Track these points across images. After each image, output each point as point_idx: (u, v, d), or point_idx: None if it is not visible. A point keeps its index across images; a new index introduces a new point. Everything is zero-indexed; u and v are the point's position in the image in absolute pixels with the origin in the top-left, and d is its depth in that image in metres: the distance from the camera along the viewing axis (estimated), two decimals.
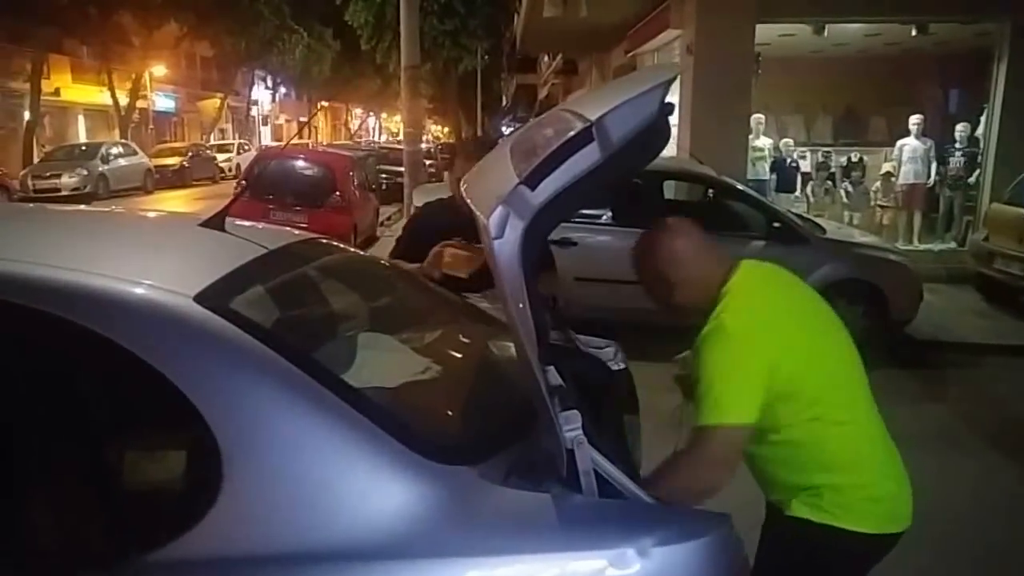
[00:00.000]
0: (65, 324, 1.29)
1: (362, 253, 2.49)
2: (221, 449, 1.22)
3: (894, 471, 1.74)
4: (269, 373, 1.31)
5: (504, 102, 38.74)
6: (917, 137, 9.49)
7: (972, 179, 9.43)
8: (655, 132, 1.32)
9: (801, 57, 10.43)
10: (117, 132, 25.58)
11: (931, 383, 5.79)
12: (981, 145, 9.33)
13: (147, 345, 1.29)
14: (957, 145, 9.41)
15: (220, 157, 26.78)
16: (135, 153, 21.43)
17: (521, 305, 1.24)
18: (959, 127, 9.47)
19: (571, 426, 1.28)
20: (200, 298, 1.38)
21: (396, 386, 1.67)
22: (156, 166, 22.31)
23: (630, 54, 12.63)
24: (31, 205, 2.75)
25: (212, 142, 30.92)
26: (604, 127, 1.23)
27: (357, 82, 37.50)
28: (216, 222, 1.79)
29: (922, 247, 9.47)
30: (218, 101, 34.16)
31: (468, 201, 1.37)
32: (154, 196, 20.60)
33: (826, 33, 9.39)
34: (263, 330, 1.41)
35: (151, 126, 29.42)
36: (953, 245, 9.62)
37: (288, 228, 2.25)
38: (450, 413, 1.65)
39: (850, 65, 11.17)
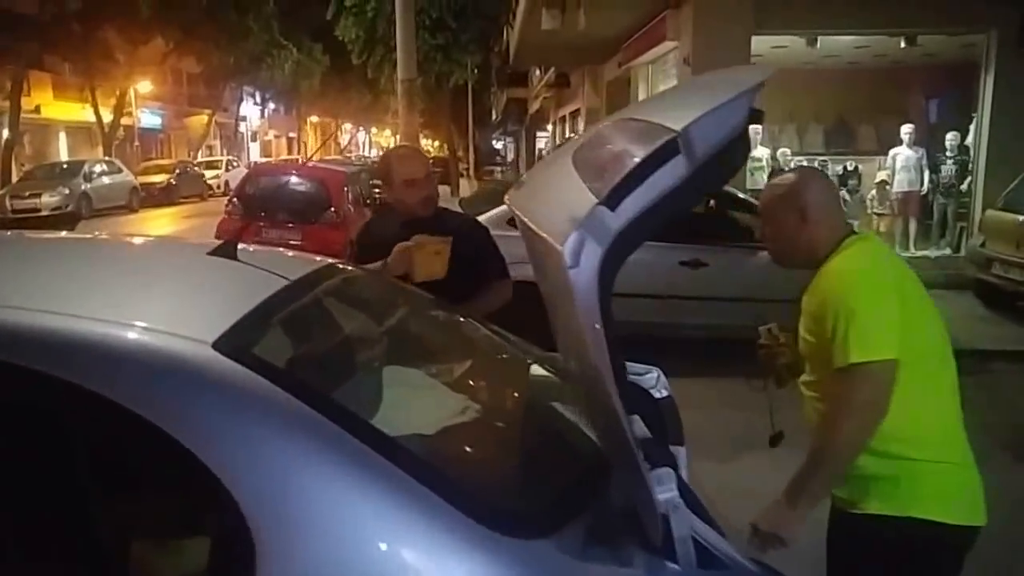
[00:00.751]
0: (54, 384, 1.07)
1: (375, 274, 2.29)
2: (253, 534, 1.01)
3: (972, 460, 1.68)
4: (307, 435, 1.11)
5: (494, 116, 38.67)
6: (909, 146, 9.60)
7: (964, 186, 9.52)
8: (740, 143, 1.16)
9: (793, 68, 10.44)
10: (101, 150, 25.22)
11: None
12: (972, 153, 9.41)
13: (158, 407, 1.08)
14: (948, 153, 9.55)
15: (208, 174, 26.45)
16: (120, 171, 21.07)
17: (599, 347, 1.07)
18: (949, 136, 9.59)
19: (665, 487, 1.10)
20: (220, 345, 1.18)
21: (436, 433, 1.47)
22: (142, 184, 21.95)
23: (624, 67, 12.55)
24: (8, 233, 2.44)
25: (200, 159, 30.58)
26: (690, 137, 1.07)
27: (347, 96, 37.35)
28: (227, 250, 1.59)
29: (919, 254, 9.51)
30: (206, 117, 33.87)
31: (529, 223, 1.19)
32: (140, 215, 20.26)
33: (818, 45, 9.39)
34: (295, 380, 1.21)
35: (136, 143, 29.07)
36: (948, 251, 9.66)
37: (303, 253, 2.05)
38: (507, 467, 1.42)
39: (840, 76, 11.25)
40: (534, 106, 27.79)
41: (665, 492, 1.12)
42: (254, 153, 40.87)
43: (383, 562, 1.05)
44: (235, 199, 9.82)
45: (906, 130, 9.59)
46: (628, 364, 2.06)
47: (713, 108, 1.08)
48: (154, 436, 1.05)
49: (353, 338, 1.78)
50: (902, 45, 9.37)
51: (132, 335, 1.18)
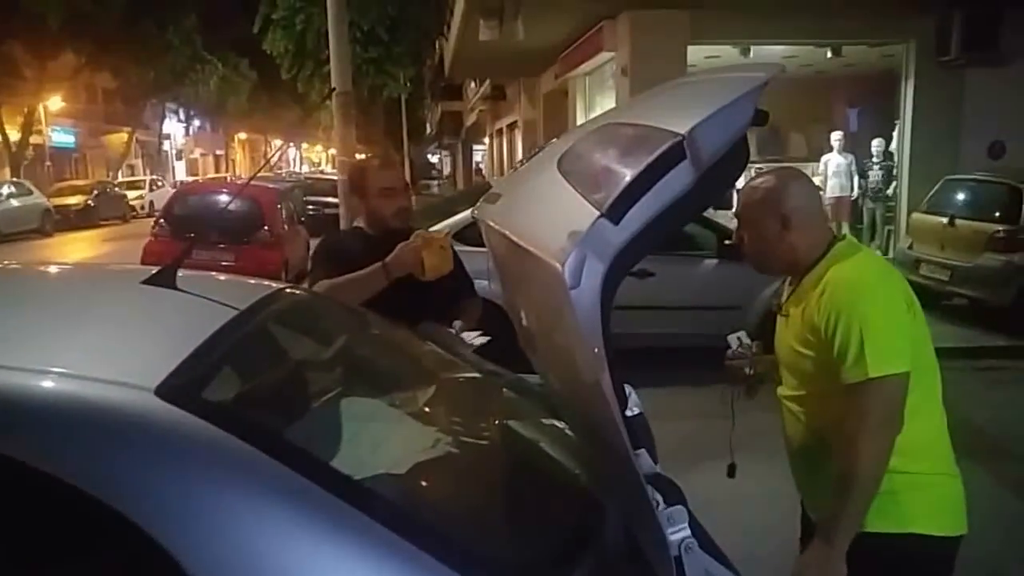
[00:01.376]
0: None
1: (327, 298, 2.12)
2: None
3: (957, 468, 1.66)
4: (271, 490, 0.96)
5: (429, 129, 38.48)
6: (839, 152, 10.00)
7: (891, 191, 9.92)
8: (743, 147, 1.07)
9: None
10: (8, 171, 23.75)
11: None
12: (896, 159, 9.78)
13: (91, 471, 0.91)
14: (875, 159, 9.96)
15: (131, 195, 25.23)
16: (30, 192, 19.83)
17: (602, 374, 0.96)
18: (874, 143, 10.02)
19: (677, 527, 1.00)
20: (164, 391, 1.01)
21: (407, 473, 1.32)
22: (56, 206, 20.72)
23: (561, 78, 12.62)
24: None
25: (121, 179, 29.21)
26: (696, 141, 0.97)
27: (276, 112, 36.50)
28: (166, 278, 1.41)
29: None
30: (125, 135, 32.41)
31: (514, 239, 1.07)
32: (55, 239, 19.15)
33: (751, 55, 9.65)
34: (253, 427, 1.05)
35: (48, 163, 27.53)
36: (878, 254, 10.01)
37: (248, 278, 1.86)
38: (492, 508, 1.28)
39: (771, 85, 11.52)
40: (470, 119, 27.77)
41: (678, 532, 1.02)
42: (180, 172, 39.38)
43: None
44: (162, 220, 9.36)
45: (836, 137, 9.98)
46: None
47: (719, 109, 0.99)
48: (86, 506, 0.88)
49: (309, 370, 1.61)
50: (828, 55, 9.75)
51: (55, 384, 1.00)
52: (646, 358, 5.69)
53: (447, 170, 42.68)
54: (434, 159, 49.38)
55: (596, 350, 0.96)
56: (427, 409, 1.68)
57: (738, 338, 1.76)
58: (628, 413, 1.93)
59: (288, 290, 1.79)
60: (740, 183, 1.82)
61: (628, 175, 0.95)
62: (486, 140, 28.18)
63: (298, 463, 1.00)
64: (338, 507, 0.96)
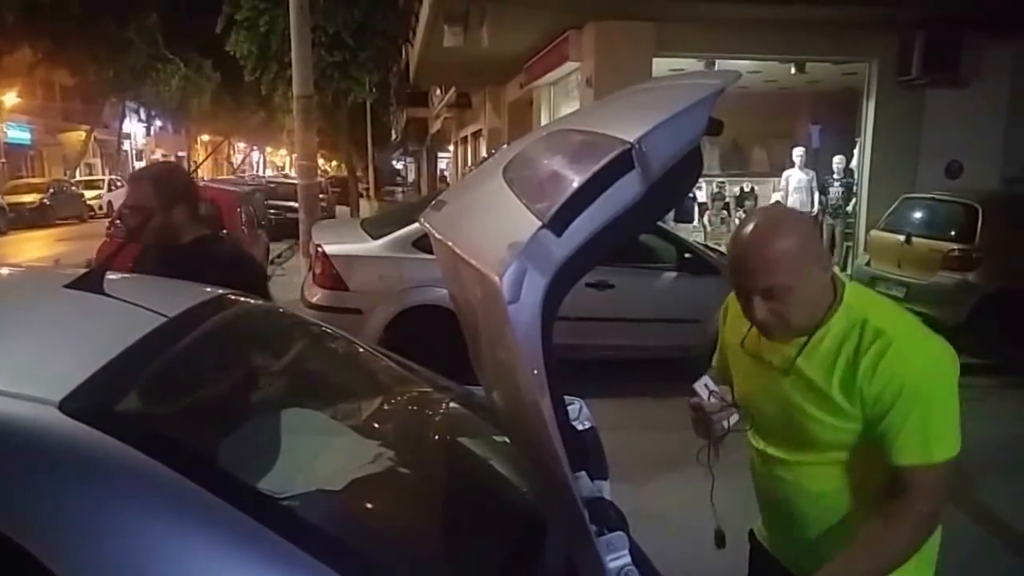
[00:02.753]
0: None
1: (274, 306, 2.03)
2: None
3: None
4: (184, 516, 0.88)
5: (394, 136, 38.25)
6: (801, 168, 10.13)
7: (850, 208, 10.09)
8: (696, 157, 1.03)
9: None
10: None
11: None
12: (856, 176, 9.98)
13: None
14: (835, 176, 10.10)
15: (88, 194, 24.54)
16: None
17: (541, 395, 0.90)
18: (835, 159, 10.18)
19: (617, 554, 0.95)
20: (69, 404, 0.93)
21: (344, 488, 1.26)
22: (10, 204, 20.10)
23: (526, 87, 12.64)
24: None
25: (79, 177, 28.38)
26: (646, 150, 0.93)
27: (240, 115, 35.91)
28: (91, 282, 1.31)
29: None
30: (83, 134, 31.50)
31: (455, 249, 1.01)
32: (9, 237, 18.53)
33: (716, 68, 9.75)
34: (169, 445, 0.97)
35: (2, 160, 26.66)
36: (837, 270, 10.18)
37: (184, 282, 1.75)
38: (428, 531, 1.22)
39: (734, 100, 11.69)
40: (435, 126, 27.68)
41: (617, 559, 0.96)
42: None
43: None
44: (118, 220, 9.08)
45: (797, 153, 10.11)
46: None
47: (670, 117, 0.95)
48: None
49: (246, 382, 1.52)
50: (792, 71, 9.89)
51: None
52: (605, 369, 5.69)
53: (412, 177, 42.45)
54: (399, 166, 49.10)
55: (535, 372, 0.91)
56: (370, 422, 1.61)
57: (705, 386, 1.52)
58: (579, 427, 1.90)
59: (229, 296, 1.70)
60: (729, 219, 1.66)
61: (573, 184, 0.90)
62: (451, 148, 28.10)
63: (214, 483, 0.92)
64: (251, 528, 0.89)
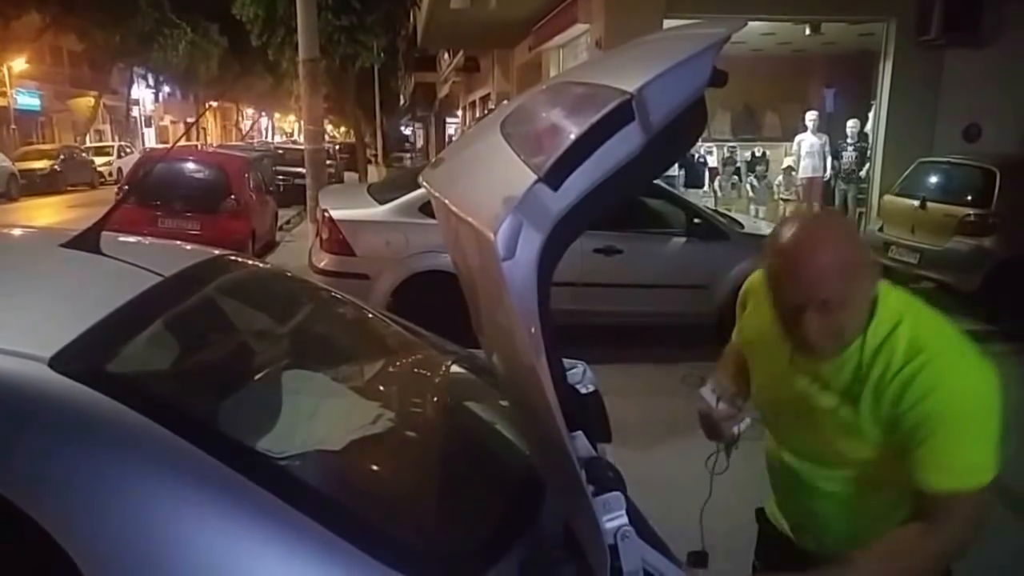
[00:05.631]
0: None
1: (275, 268, 2.01)
2: None
3: None
4: (176, 473, 0.88)
5: (402, 101, 37.86)
6: (813, 133, 9.97)
7: (863, 173, 9.95)
8: (698, 110, 0.99)
9: None
10: None
11: None
12: (870, 140, 9.80)
13: None
14: (848, 140, 9.94)
15: (98, 160, 24.55)
16: None
17: (538, 354, 0.89)
18: (849, 123, 9.99)
19: (613, 515, 0.93)
20: (59, 361, 0.92)
21: (342, 451, 1.25)
22: (22, 171, 20.11)
23: (535, 50, 12.43)
24: None
25: (89, 144, 28.37)
26: (646, 101, 0.89)
27: (248, 81, 35.62)
28: (87, 241, 1.30)
29: None
30: (92, 100, 31.39)
31: (451, 206, 0.99)
32: (20, 204, 18.60)
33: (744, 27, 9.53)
34: (162, 403, 0.96)
35: (13, 126, 26.63)
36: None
37: (184, 243, 1.74)
38: (426, 494, 1.20)
39: (746, 63, 11.52)
40: (443, 91, 27.38)
41: (614, 520, 0.95)
42: (149, 139, 38.37)
43: None
44: (126, 186, 9.12)
45: (810, 117, 9.94)
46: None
47: (672, 66, 0.91)
48: None
49: (245, 343, 1.52)
50: (806, 32, 9.66)
51: None
52: (613, 335, 5.68)
53: (420, 143, 42.14)
54: (407, 131, 48.72)
55: (532, 330, 0.89)
56: (371, 385, 1.61)
57: (712, 391, 1.39)
58: (582, 390, 1.89)
59: (228, 257, 1.68)
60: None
61: (571, 136, 0.87)
62: (459, 113, 27.83)
63: (205, 441, 0.91)
64: (243, 485, 0.89)
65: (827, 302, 1.17)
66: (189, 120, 40.13)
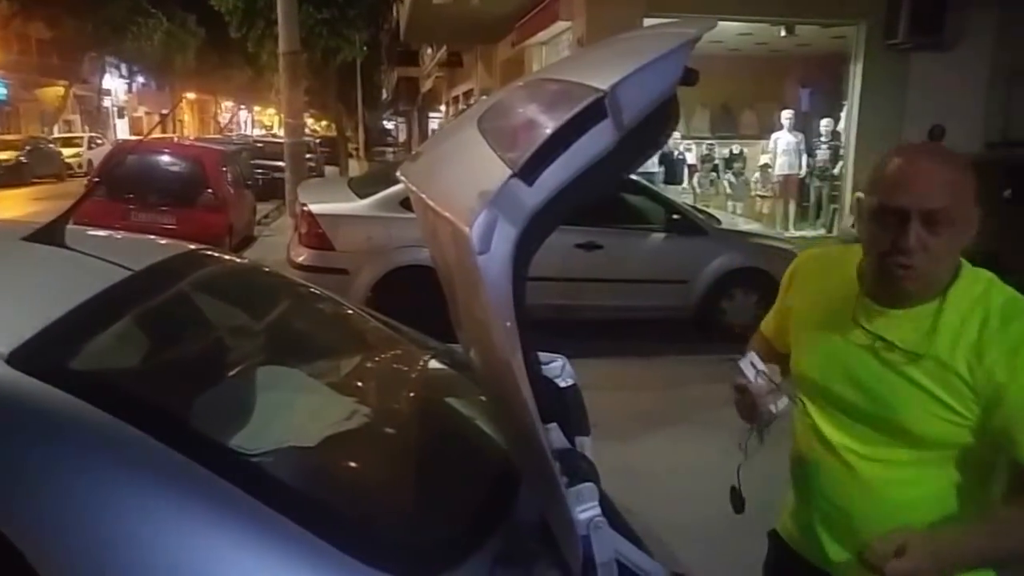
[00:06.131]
0: None
1: (251, 262, 2.00)
2: None
3: None
4: (139, 470, 0.87)
5: (385, 95, 37.63)
6: (789, 131, 10.12)
7: (837, 170, 10.10)
8: (670, 107, 1.01)
9: None
10: None
11: None
12: (843, 139, 9.96)
13: None
14: (823, 139, 10.10)
15: (67, 152, 24.05)
16: None
17: (512, 347, 0.90)
18: (823, 122, 10.15)
19: (586, 505, 0.95)
20: (18, 358, 0.90)
21: (317, 444, 1.25)
22: None
23: (518, 47, 12.42)
24: None
25: (56, 135, 27.80)
26: (619, 98, 0.90)
27: (226, 73, 35.18)
28: (51, 234, 1.28)
29: (797, 234, 10.04)
30: (62, 90, 30.77)
31: (427, 200, 0.99)
32: None
33: (715, 28, 9.61)
34: (126, 400, 0.95)
35: None
36: (823, 232, 10.27)
37: (155, 237, 1.72)
38: (401, 487, 1.21)
39: (724, 63, 11.64)
40: (426, 85, 27.25)
41: (587, 511, 0.96)
42: (122, 131, 37.69)
43: None
44: (96, 179, 8.96)
45: (786, 115, 10.08)
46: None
47: (644, 65, 0.92)
48: None
49: (218, 339, 1.50)
50: (781, 34, 9.80)
51: None
52: (594, 330, 5.72)
53: (402, 137, 41.93)
54: (390, 125, 48.45)
55: (508, 323, 0.89)
56: (347, 380, 1.60)
57: (752, 364, 1.30)
58: (561, 384, 1.90)
59: (202, 252, 1.67)
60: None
61: (545, 132, 0.88)
62: (442, 107, 27.72)
63: (171, 438, 0.90)
64: (212, 482, 0.88)
65: (934, 214, 1.10)
66: (164, 112, 39.56)
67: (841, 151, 10.00)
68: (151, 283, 1.29)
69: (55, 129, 29.72)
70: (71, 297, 1.09)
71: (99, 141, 26.79)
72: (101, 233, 1.46)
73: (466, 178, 0.94)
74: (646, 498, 1.59)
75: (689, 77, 0.99)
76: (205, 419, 1.06)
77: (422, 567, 0.94)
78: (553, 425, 0.99)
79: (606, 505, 0.99)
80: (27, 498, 0.82)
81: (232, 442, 1.06)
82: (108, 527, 0.83)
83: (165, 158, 9.33)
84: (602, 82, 0.90)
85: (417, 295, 3.68)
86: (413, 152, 1.34)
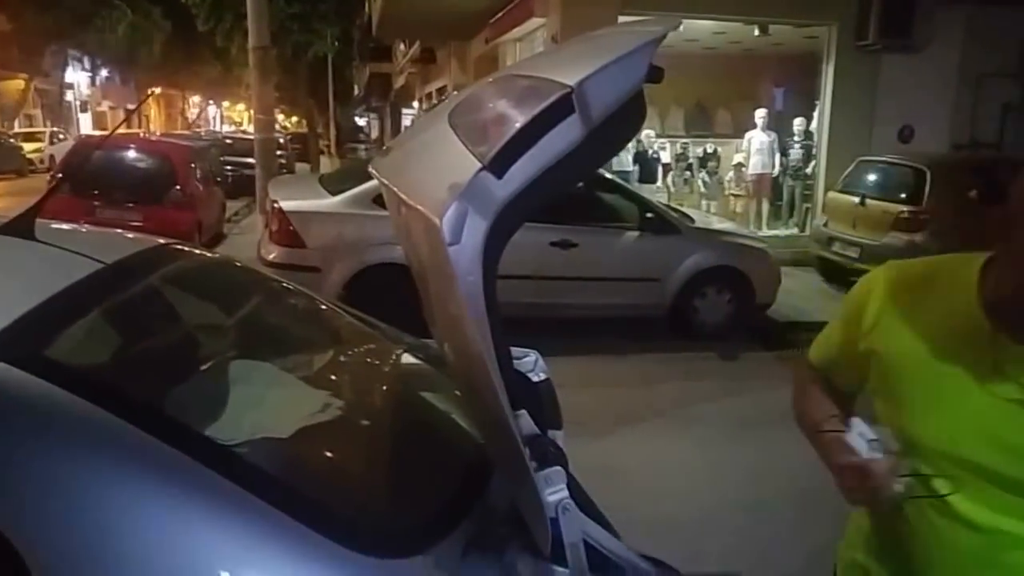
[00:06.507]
0: None
1: (223, 256, 1.99)
2: None
3: None
4: (117, 452, 0.88)
5: (357, 91, 37.33)
6: (763, 130, 10.23)
7: (809, 169, 10.27)
8: (636, 104, 1.03)
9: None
10: None
11: (794, 363, 6.10)
12: (815, 138, 10.13)
13: None
14: (796, 138, 10.25)
15: (27, 147, 23.54)
16: None
17: (483, 336, 0.92)
18: (796, 121, 10.30)
19: (554, 488, 0.97)
20: None
21: (290, 437, 1.26)
22: None
23: (491, 43, 12.43)
24: None
25: (17, 129, 27.14)
26: (586, 94, 0.93)
27: (194, 67, 34.60)
28: (20, 227, 1.27)
29: (770, 233, 10.18)
30: (22, 83, 30.01)
31: (399, 193, 1.01)
32: None
33: (681, 28, 9.70)
34: (103, 388, 0.96)
35: None
36: (795, 231, 10.44)
37: (124, 231, 1.71)
38: (375, 473, 1.24)
39: (699, 61, 11.77)
40: (399, 82, 27.10)
41: (554, 493, 1.00)
42: (85, 125, 36.86)
43: None
44: (59, 174, 8.79)
45: (760, 114, 10.20)
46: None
47: (610, 62, 0.95)
48: None
49: (189, 332, 1.51)
50: (755, 33, 9.92)
51: None
52: (569, 328, 5.77)
53: (375, 134, 41.66)
54: (361, 122, 48.08)
55: (479, 312, 0.92)
56: (321, 373, 1.61)
57: (860, 435, 1.00)
58: (534, 379, 1.93)
59: (173, 246, 1.66)
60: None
61: (514, 126, 0.90)
62: (415, 104, 27.61)
63: (153, 424, 0.92)
64: (196, 471, 0.90)
65: None
66: (130, 106, 38.81)
67: (814, 150, 10.14)
68: (124, 275, 1.29)
69: (16, 124, 28.98)
70: (45, 288, 1.09)
71: (62, 136, 26.19)
72: (69, 227, 1.45)
73: (437, 172, 0.97)
74: (620, 494, 1.63)
75: (654, 74, 1.02)
76: (177, 409, 1.07)
77: (396, 548, 0.97)
78: (523, 412, 1.02)
79: (574, 488, 1.02)
80: (21, 501, 0.84)
81: (207, 432, 1.06)
82: (96, 504, 0.85)
83: (132, 154, 9.17)
84: (570, 78, 0.93)
85: (389, 293, 3.70)
86: (384, 147, 1.36)
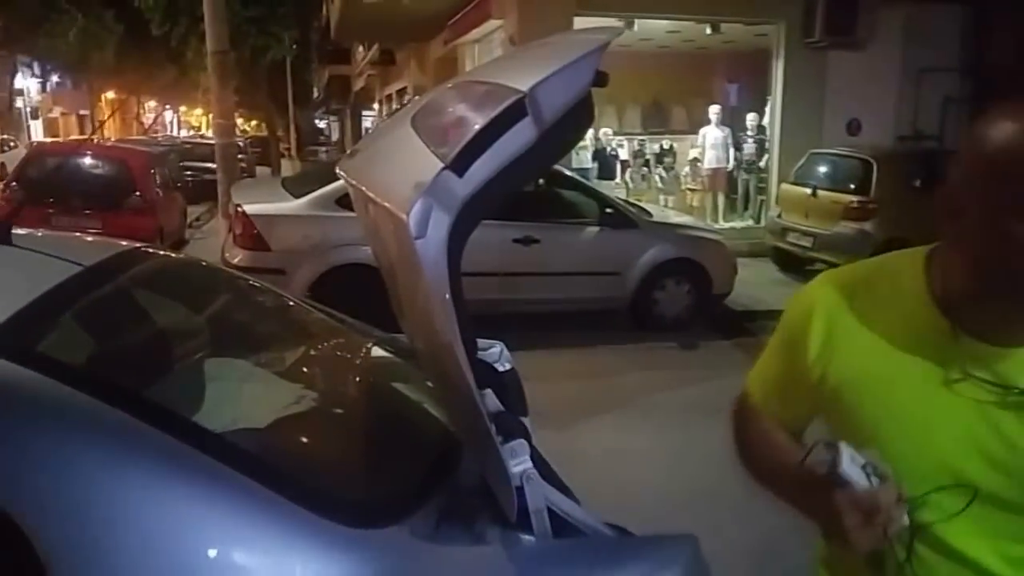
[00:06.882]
0: None
1: (194, 258, 2.05)
2: (51, 566, 0.84)
3: None
4: (109, 436, 0.95)
5: (316, 94, 36.96)
6: (717, 126, 10.46)
7: (762, 163, 10.53)
8: (586, 107, 1.13)
9: (611, 50, 10.91)
10: None
11: (752, 350, 6.28)
12: (768, 133, 10.41)
13: None
14: (749, 133, 10.52)
15: None
16: None
17: (450, 319, 1.00)
18: (749, 117, 10.57)
19: (518, 460, 1.07)
20: None
21: (267, 427, 1.34)
22: None
23: (450, 44, 12.47)
24: None
25: None
26: (537, 99, 1.02)
27: (148, 71, 33.83)
28: None
29: (726, 225, 10.43)
30: None
31: (367, 192, 1.09)
32: None
33: (635, 28, 9.91)
34: (94, 379, 1.03)
35: None
36: (751, 222, 10.71)
37: (94, 236, 1.76)
38: (350, 455, 1.33)
39: (654, 59, 12.00)
40: (359, 84, 26.94)
41: (519, 464, 1.09)
42: (37, 132, 35.86)
43: (214, 570, 0.92)
44: (14, 183, 8.59)
45: (714, 111, 10.44)
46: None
47: (559, 69, 1.04)
48: None
49: (166, 330, 1.57)
50: (707, 32, 10.16)
51: None
52: (532, 322, 5.88)
53: (335, 136, 41.29)
54: (322, 124, 47.61)
55: (446, 296, 1.00)
56: (293, 368, 1.69)
57: (851, 458, 0.84)
58: (500, 368, 2.02)
59: (146, 250, 1.72)
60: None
61: (473, 129, 0.99)
62: (375, 106, 27.46)
63: (142, 411, 0.99)
64: (182, 451, 0.97)
65: None
66: (83, 112, 37.83)
67: (767, 144, 10.41)
68: (102, 277, 1.35)
69: None
70: (31, 289, 1.15)
71: (12, 144, 25.42)
72: (46, 234, 1.50)
73: (402, 171, 1.05)
74: (582, 483, 1.72)
75: (600, 79, 1.12)
76: (165, 398, 1.14)
77: (373, 519, 1.05)
78: (488, 391, 1.11)
79: (537, 460, 1.11)
80: (23, 484, 0.90)
81: (194, 419, 1.13)
82: (94, 483, 0.91)
83: (88, 160, 9.03)
84: (523, 84, 1.02)
85: (354, 293, 3.75)
86: (350, 150, 1.43)
